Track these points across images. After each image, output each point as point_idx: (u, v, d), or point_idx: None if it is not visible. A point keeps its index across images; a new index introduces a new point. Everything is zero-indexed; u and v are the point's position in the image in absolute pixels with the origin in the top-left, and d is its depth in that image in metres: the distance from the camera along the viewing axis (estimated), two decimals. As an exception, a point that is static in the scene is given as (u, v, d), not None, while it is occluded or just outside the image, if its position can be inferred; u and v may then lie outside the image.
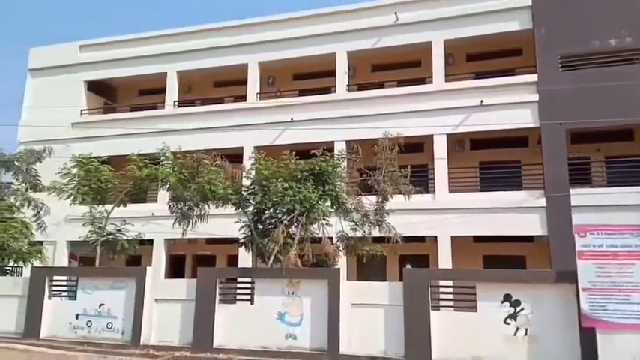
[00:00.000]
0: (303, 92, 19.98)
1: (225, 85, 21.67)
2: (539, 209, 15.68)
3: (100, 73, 21.87)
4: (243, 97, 19.88)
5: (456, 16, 17.76)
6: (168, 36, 21.15)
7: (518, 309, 9.53)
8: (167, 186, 13.26)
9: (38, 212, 15.92)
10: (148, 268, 12.63)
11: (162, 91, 20.87)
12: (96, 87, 22.44)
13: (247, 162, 14.78)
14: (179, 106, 20.79)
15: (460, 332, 9.84)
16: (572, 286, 9.24)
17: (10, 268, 15.89)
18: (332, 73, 18.96)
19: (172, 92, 20.73)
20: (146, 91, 22.96)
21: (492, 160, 18.05)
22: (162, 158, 13.60)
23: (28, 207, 16.00)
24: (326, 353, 10.25)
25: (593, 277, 9.03)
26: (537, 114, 16.29)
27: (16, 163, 16.31)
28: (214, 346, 11.00)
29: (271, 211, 12.41)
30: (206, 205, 12.93)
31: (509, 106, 16.60)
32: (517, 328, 9.46)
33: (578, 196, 15.29)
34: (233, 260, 18.05)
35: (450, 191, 16.94)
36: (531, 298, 9.52)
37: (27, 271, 15.02)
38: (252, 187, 12.63)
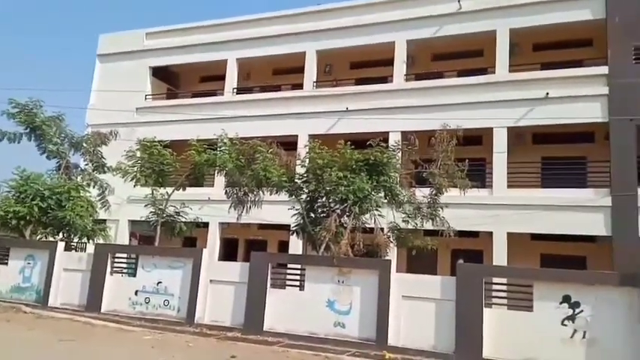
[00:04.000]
0: (359, 81, 19.83)
1: (283, 73, 21.87)
2: (603, 208, 14.88)
3: (164, 60, 22.63)
4: (300, 86, 20.00)
5: (524, 4, 17.02)
6: (229, 24, 21.54)
7: (577, 311, 9.14)
8: (224, 171, 13.61)
9: (103, 192, 16.82)
10: (203, 249, 13.04)
11: (222, 78, 21.34)
12: (160, 73, 23.26)
13: (302, 150, 14.89)
14: (238, 93, 21.19)
15: (514, 332, 9.56)
16: (637, 290, 8.77)
17: (75, 244, 16.82)
18: (390, 62, 18.70)
19: (232, 79, 21.15)
20: (207, 77, 23.60)
21: (555, 155, 17.27)
22: (220, 144, 13.95)
23: (94, 187, 16.91)
24: (374, 344, 10.24)
25: (662, 282, 8.51)
26: (607, 108, 15.41)
27: (84, 144, 17.20)
28: (265, 329, 11.24)
29: (324, 199, 12.47)
30: (260, 192, 13.18)
31: (577, 99, 15.79)
32: (575, 331, 9.08)
33: (648, 196, 14.39)
34: (284, 246, 18.34)
35: (509, 186, 16.38)
36: (592, 300, 9.10)
37: (90, 248, 15.88)
38: (306, 175, 12.72)
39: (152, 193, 14.63)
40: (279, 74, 22.15)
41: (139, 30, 23.47)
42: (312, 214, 12.78)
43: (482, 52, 18.64)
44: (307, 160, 12.91)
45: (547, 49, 18.16)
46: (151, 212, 14.60)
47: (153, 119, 21.26)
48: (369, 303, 10.58)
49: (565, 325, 9.16)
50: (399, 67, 18.54)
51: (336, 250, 11.46)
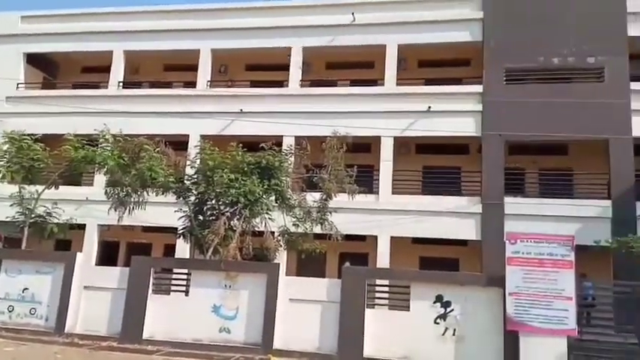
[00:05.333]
0: (255, 84, 19.75)
1: (175, 70, 21.06)
2: (474, 215, 16.31)
3: (41, 47, 20.74)
4: (192, 84, 19.42)
5: (411, 22, 18.10)
6: (117, 14, 20.35)
7: (448, 310, 9.84)
8: (105, 170, 12.70)
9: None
10: (78, 253, 12.10)
11: (107, 70, 20.03)
12: (36, 61, 21.24)
13: (192, 150, 14.42)
14: (124, 88, 20.02)
15: (393, 330, 10.04)
16: (500, 290, 9.63)
17: None
18: (286, 67, 18.85)
19: (118, 72, 19.96)
20: (90, 68, 21.98)
21: (435, 164, 18.55)
22: (101, 140, 13.00)
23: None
24: (260, 347, 10.19)
25: (520, 282, 9.45)
26: (480, 124, 16.89)
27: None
28: (144, 337, 10.68)
29: (214, 202, 12.17)
30: (145, 192, 12.50)
31: (455, 114, 17.11)
32: (446, 328, 9.76)
33: (512, 204, 16.03)
34: (170, 250, 17.62)
35: (393, 193, 17.28)
36: (462, 299, 9.85)
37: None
38: (196, 176, 12.34)
39: (20, 192, 13.23)
40: (171, 70, 21.29)
41: (12, 12, 21.24)
42: (201, 217, 12.42)
43: (373, 64, 19.50)
44: (197, 161, 12.54)
45: (431, 66, 19.47)
46: (18, 212, 13.19)
47: (25, 110, 19.34)
48: (257, 307, 10.51)
49: (437, 324, 9.82)
50: (295, 73, 18.76)
51: (224, 253, 11.24)
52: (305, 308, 10.46)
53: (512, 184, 16.60)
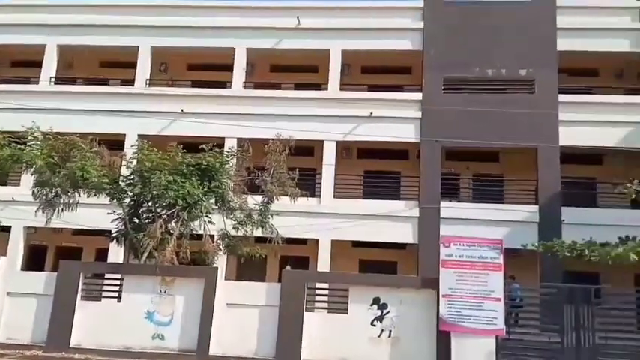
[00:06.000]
0: (196, 84, 19.34)
1: (112, 67, 20.28)
2: (412, 219, 16.76)
3: (-37, 37, 19.35)
4: (130, 82, 18.77)
5: (355, 29, 18.38)
6: (52, 6, 19.35)
7: (385, 312, 10.04)
8: (32, 169, 12.01)
9: None
10: (1, 257, 11.40)
11: (39, 64, 18.99)
12: (-44, 52, 19.85)
13: (129, 151, 13.93)
14: (56, 83, 19.07)
15: (331, 333, 10.12)
16: (435, 292, 9.93)
17: None
18: (229, 68, 18.62)
19: (50, 67, 18.98)
20: (20, 62, 20.71)
21: (376, 169, 18.90)
22: (29, 138, 12.29)
23: None
24: (194, 354, 9.97)
25: (453, 284, 9.78)
26: (419, 130, 17.39)
27: None
28: (71, 345, 10.20)
29: (150, 204, 11.81)
30: (76, 193, 11.93)
31: (396, 120, 17.52)
32: (382, 330, 9.95)
33: (447, 209, 16.59)
34: (102, 254, 16.92)
35: (335, 196, 17.46)
36: (398, 301, 10.08)
37: None
38: (132, 177, 11.92)
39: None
40: (108, 67, 20.47)
41: None
42: (136, 220, 12.01)
43: (317, 69, 19.62)
44: (134, 162, 12.13)
45: (373, 73, 19.86)
46: None
47: (-56, 104, 17.97)
48: (193, 312, 10.28)
49: (374, 325, 10.00)
50: (238, 74, 18.58)
51: (160, 258, 10.93)
52: (243, 313, 10.36)
53: (448, 189, 17.21)
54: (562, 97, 17.14)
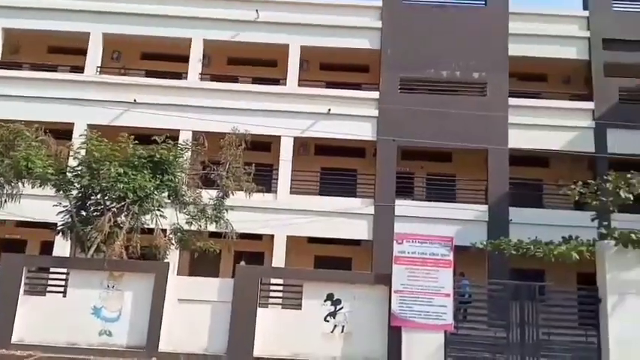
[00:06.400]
0: (151, 74, 18.81)
1: (61, 53, 19.45)
2: (367, 216, 16.98)
3: None
4: (80, 69, 18.06)
5: (314, 25, 18.40)
6: (-4, -14, 18.34)
7: (338, 307, 10.08)
8: (-28, 158, 11.34)
9: None
10: None
11: (-20, 48, 18.01)
12: None
13: (77, 140, 13.38)
14: (1, 68, 18.09)
15: (284, 330, 10.06)
16: (387, 288, 10.06)
17: None
18: (185, 59, 18.24)
19: (-7, 51, 18.02)
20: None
21: (333, 166, 19.00)
22: (-31, 125, 11.61)
23: None
24: (143, 351, 9.70)
25: (405, 280, 9.94)
26: (376, 129, 17.59)
27: None
28: (13, 342, 9.69)
29: (99, 196, 11.39)
30: (20, 184, 11.37)
31: (353, 118, 17.69)
32: (335, 326, 9.99)
33: (402, 207, 16.89)
34: (48, 247, 16.24)
35: (292, 192, 17.43)
36: (351, 297, 10.13)
37: None
38: (80, 168, 11.44)
39: None
40: (57, 53, 19.62)
41: None
42: (84, 212, 11.55)
43: (276, 63, 19.52)
44: (82, 152, 11.66)
45: (332, 70, 19.94)
46: None
47: None
48: (142, 308, 9.98)
49: (327, 321, 10.01)
50: (195, 65, 18.23)
51: (108, 252, 10.58)
52: (195, 309, 10.14)
53: (402, 188, 17.51)
54: (512, 101, 17.77)
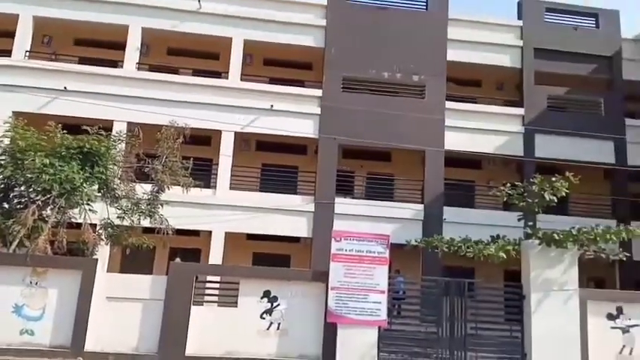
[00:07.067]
0: (83, 61, 17.91)
1: (-15, 35, 18.12)
2: (307, 213, 17.02)
3: None
4: (7, 53, 16.90)
5: (259, 19, 18.19)
6: None
7: (275, 305, 10.03)
8: None
9: None
10: None
11: None
12: None
13: (1, 128, 12.51)
14: None
15: (219, 328, 9.90)
16: (324, 285, 10.12)
17: None
18: (121, 47, 17.51)
19: None
20: None
21: (274, 162, 18.89)
22: None
23: None
24: (68, 350, 9.23)
25: (342, 277, 10.04)
26: (318, 127, 17.65)
27: None
28: None
29: (23, 188, 10.75)
30: None
31: (296, 115, 17.66)
32: (271, 323, 9.94)
33: (342, 204, 17.07)
34: (-35, 242, 15.08)
35: (231, 188, 17.16)
36: (288, 294, 10.11)
37: None
38: (3, 158, 10.75)
39: None
40: (-20, 35, 18.26)
41: None
42: (6, 205, 10.85)
43: (218, 56, 19.14)
44: (6, 141, 10.94)
45: (276, 65, 19.79)
46: None
47: None
48: (68, 306, 9.49)
49: (263, 319, 9.95)
50: (132, 54, 17.55)
51: (32, 247, 9.97)
52: (125, 307, 9.77)
53: (342, 186, 17.69)
54: (449, 104, 18.38)
